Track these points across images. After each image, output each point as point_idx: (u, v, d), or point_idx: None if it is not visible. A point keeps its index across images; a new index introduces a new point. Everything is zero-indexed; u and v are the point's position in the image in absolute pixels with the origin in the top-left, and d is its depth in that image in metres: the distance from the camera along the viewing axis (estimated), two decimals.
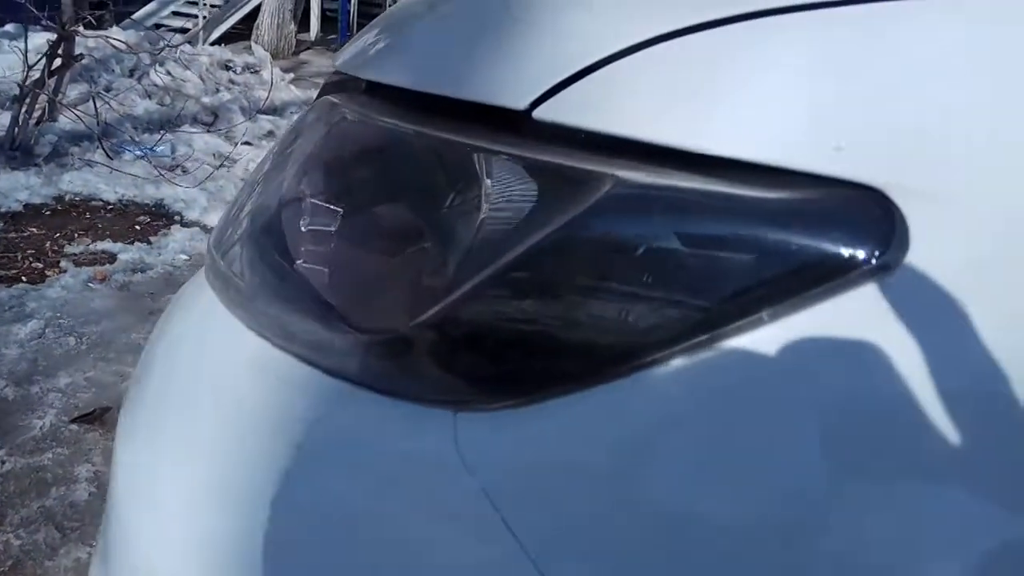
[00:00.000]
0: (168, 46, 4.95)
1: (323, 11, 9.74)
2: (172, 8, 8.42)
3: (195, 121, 4.78)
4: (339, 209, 0.47)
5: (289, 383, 0.45)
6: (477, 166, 0.43)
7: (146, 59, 4.96)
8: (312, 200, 0.50)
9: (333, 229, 0.46)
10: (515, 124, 0.43)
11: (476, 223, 0.42)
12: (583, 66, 0.40)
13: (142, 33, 5.52)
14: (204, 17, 8.09)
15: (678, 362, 0.37)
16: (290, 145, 0.58)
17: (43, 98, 3.92)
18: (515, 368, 0.40)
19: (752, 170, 0.37)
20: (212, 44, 7.23)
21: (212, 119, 4.89)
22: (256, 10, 8.50)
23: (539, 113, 0.42)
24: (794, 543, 0.36)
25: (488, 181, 0.42)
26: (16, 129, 3.71)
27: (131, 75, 5.04)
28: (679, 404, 0.38)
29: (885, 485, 0.36)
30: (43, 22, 4.03)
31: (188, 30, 7.75)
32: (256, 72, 5.98)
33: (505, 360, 0.41)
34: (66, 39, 3.96)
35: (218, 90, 5.36)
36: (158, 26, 7.58)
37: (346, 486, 0.43)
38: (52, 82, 4.00)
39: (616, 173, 0.38)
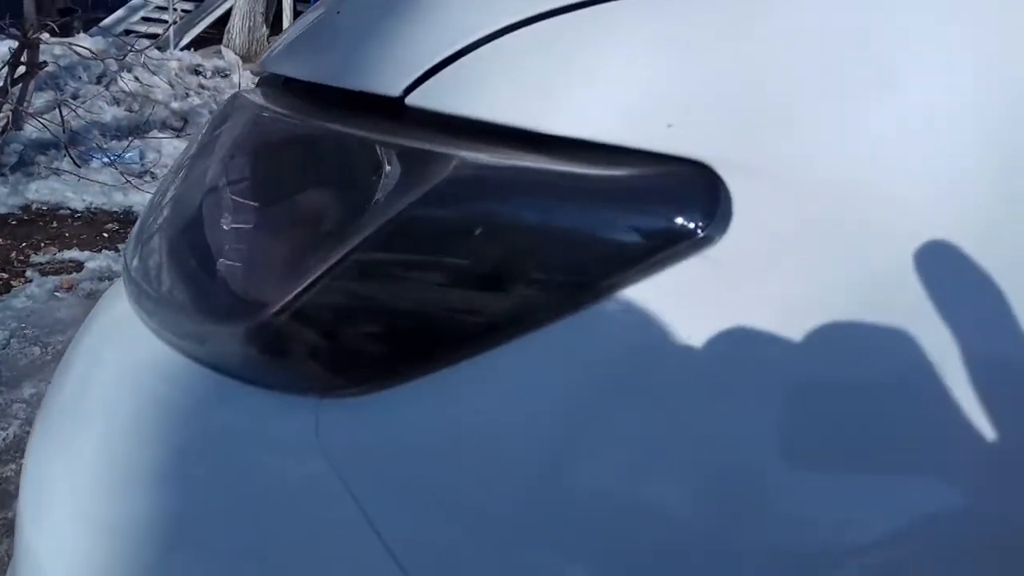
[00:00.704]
0: (132, 50, 4.91)
1: (295, 14, 9.71)
2: (142, 14, 8.36)
3: (164, 127, 4.75)
4: (211, 199, 0.48)
5: (172, 379, 0.46)
6: (356, 155, 0.44)
7: (114, 65, 4.92)
8: (190, 192, 0.50)
9: (205, 220, 0.47)
10: (392, 112, 0.43)
11: (337, 211, 0.42)
12: (449, 53, 0.41)
13: (109, 40, 5.47)
14: (174, 22, 8.03)
15: (522, 341, 0.38)
16: (198, 142, 0.58)
17: (7, 107, 3.89)
18: (369, 351, 0.40)
19: (593, 149, 0.37)
20: (183, 49, 7.19)
21: (182, 124, 4.87)
22: (228, 14, 8.46)
23: (411, 99, 0.42)
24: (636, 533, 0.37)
25: (362, 169, 0.43)
26: None
27: (98, 82, 5.00)
28: (527, 383, 0.38)
29: (715, 467, 0.36)
30: (6, 30, 3.99)
31: (159, 35, 7.70)
32: (226, 76, 5.95)
33: (360, 343, 0.41)
34: (30, 47, 3.92)
35: (188, 95, 5.33)
36: (128, 32, 7.52)
37: (222, 482, 0.43)
38: (16, 90, 3.96)
39: (460, 154, 0.38)
